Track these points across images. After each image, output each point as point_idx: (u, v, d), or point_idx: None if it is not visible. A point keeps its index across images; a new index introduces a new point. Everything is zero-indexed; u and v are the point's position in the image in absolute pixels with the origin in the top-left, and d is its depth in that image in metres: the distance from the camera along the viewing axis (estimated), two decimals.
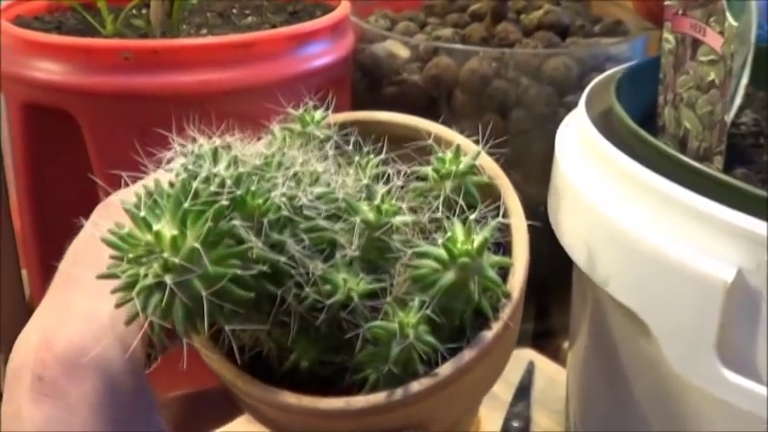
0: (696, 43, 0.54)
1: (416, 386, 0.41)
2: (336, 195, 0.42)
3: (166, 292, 0.35)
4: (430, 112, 0.78)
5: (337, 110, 0.51)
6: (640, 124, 0.53)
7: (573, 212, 0.53)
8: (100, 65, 0.72)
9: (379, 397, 0.41)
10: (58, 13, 0.91)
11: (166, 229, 0.35)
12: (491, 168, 0.49)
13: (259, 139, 0.49)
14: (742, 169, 0.55)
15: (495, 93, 0.83)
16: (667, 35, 0.58)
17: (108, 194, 0.46)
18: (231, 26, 0.89)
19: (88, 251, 0.44)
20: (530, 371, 0.87)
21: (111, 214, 0.44)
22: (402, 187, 0.45)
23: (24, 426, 0.40)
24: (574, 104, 0.62)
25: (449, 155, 0.47)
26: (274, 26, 0.86)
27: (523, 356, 0.89)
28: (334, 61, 0.82)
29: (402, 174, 0.46)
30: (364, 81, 0.92)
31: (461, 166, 0.46)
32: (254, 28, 0.88)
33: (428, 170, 0.47)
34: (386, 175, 0.46)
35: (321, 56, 0.81)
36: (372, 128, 0.52)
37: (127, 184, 0.44)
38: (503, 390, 0.84)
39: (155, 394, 0.43)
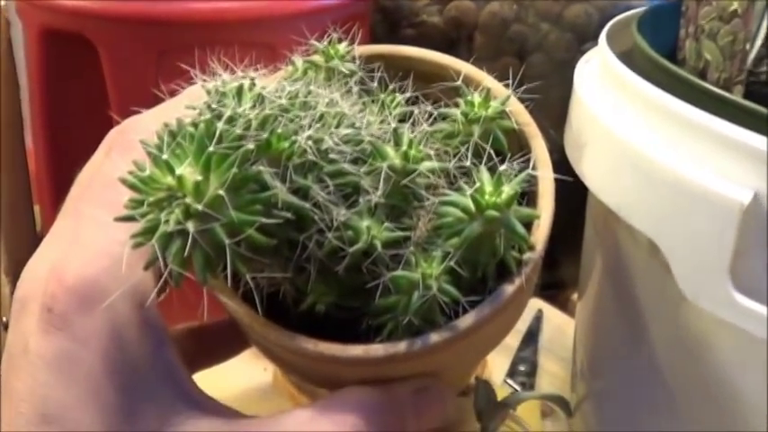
0: None
1: (436, 337, 0.40)
2: (362, 137, 0.41)
3: (189, 241, 0.34)
4: (449, 54, 0.77)
5: (358, 43, 0.49)
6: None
7: (591, 140, 0.52)
8: None
9: (398, 346, 0.40)
10: None
11: (189, 173, 0.34)
12: (520, 114, 0.47)
13: (279, 69, 0.48)
14: None
15: (515, 36, 0.82)
16: None
17: None
18: None
19: (100, 179, 0.44)
20: (538, 318, 0.87)
21: (125, 142, 0.43)
22: (429, 127, 0.44)
23: (32, 358, 0.39)
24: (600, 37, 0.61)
25: (477, 98, 0.46)
26: None
27: (532, 305, 0.89)
28: (354, 2, 0.82)
29: (429, 115, 0.45)
30: (384, 23, 0.91)
31: (490, 111, 0.45)
32: None
33: (456, 113, 0.46)
34: (412, 116, 0.44)
35: None
36: (398, 63, 0.50)
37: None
38: (510, 335, 0.84)
39: (166, 328, 0.43)
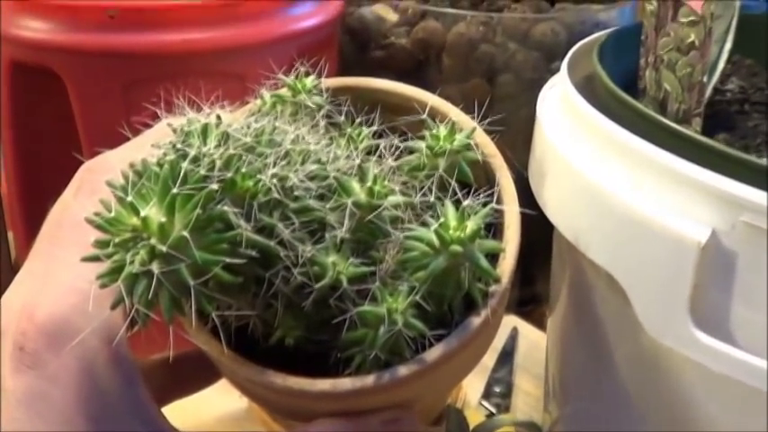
0: (677, 4, 0.53)
1: (403, 370, 0.40)
2: (328, 173, 0.41)
3: (153, 281, 0.34)
4: (417, 76, 0.78)
5: (325, 73, 0.49)
6: (623, 88, 0.53)
7: (551, 172, 0.53)
8: (85, 23, 0.72)
9: (366, 380, 0.40)
10: None
11: (154, 214, 0.34)
12: (486, 146, 0.48)
13: (247, 102, 0.48)
14: (724, 134, 0.55)
15: (483, 57, 0.82)
16: None
17: (93, 155, 0.46)
18: None
19: (68, 220, 0.44)
20: (513, 337, 0.87)
21: (93, 182, 0.43)
22: (395, 160, 0.44)
23: (5, 394, 0.40)
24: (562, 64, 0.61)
25: (443, 131, 0.46)
26: None
27: (507, 323, 0.90)
28: (322, 23, 0.82)
29: (395, 148, 0.45)
30: (352, 44, 0.91)
31: (456, 144, 0.45)
32: None
33: (422, 146, 0.46)
34: (378, 150, 0.45)
35: (309, 17, 0.80)
36: (366, 95, 0.51)
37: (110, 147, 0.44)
38: (486, 355, 0.84)
39: (136, 364, 0.43)
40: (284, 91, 0.48)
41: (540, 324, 0.91)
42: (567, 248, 0.55)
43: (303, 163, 0.41)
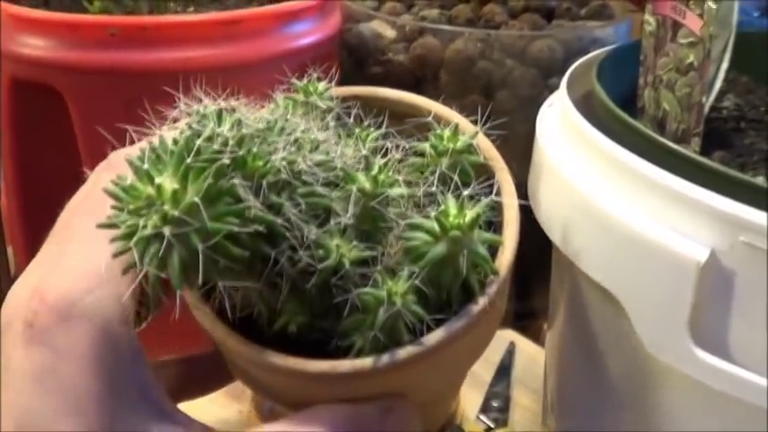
0: (676, 25, 0.54)
1: (402, 353, 0.41)
2: (335, 164, 0.43)
3: (164, 244, 0.35)
4: (415, 92, 0.78)
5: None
6: (622, 107, 0.53)
7: (551, 190, 0.53)
8: (86, 41, 0.72)
9: (365, 362, 0.41)
10: None
11: (168, 182, 0.36)
12: (488, 149, 0.49)
13: (262, 107, 0.49)
14: (721, 152, 0.55)
15: (480, 74, 0.83)
16: (648, 17, 0.58)
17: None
18: (219, 3, 0.89)
19: (88, 203, 0.45)
20: (510, 351, 0.87)
21: (112, 170, 0.44)
22: (400, 161, 0.46)
23: (13, 372, 0.40)
24: (558, 86, 0.62)
25: (447, 132, 0.47)
26: (262, 4, 0.86)
27: (505, 337, 0.90)
28: (321, 40, 0.82)
29: (400, 148, 0.47)
30: (350, 60, 0.92)
31: (458, 144, 0.47)
32: (242, 6, 0.89)
33: (426, 146, 0.47)
34: (384, 149, 0.47)
35: (308, 34, 0.81)
36: (374, 103, 0.52)
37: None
38: (484, 369, 0.85)
39: (142, 348, 0.44)
40: (296, 95, 0.50)
41: (537, 338, 0.91)
42: (565, 265, 0.56)
43: (312, 152, 0.43)
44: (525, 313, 0.95)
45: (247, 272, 0.40)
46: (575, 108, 0.55)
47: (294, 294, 0.42)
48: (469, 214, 0.41)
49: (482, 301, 0.43)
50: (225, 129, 0.39)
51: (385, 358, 0.41)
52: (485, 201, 0.43)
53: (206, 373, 0.55)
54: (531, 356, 0.88)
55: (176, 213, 0.35)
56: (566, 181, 0.51)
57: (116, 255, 0.37)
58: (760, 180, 0.51)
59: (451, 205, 0.42)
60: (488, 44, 0.84)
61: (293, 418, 0.43)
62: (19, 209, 0.86)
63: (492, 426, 0.78)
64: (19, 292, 0.43)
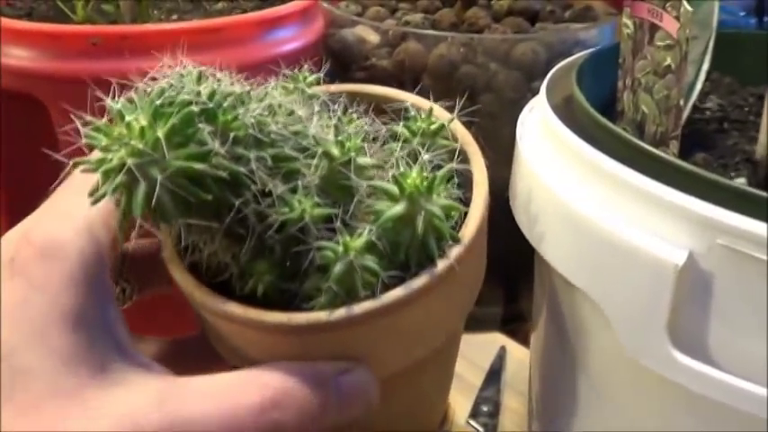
0: (654, 28, 0.54)
1: (357, 309, 0.43)
2: (308, 133, 0.45)
3: (127, 173, 0.38)
4: None
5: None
6: (603, 109, 0.53)
7: (530, 194, 0.53)
8: (68, 51, 0.72)
9: (320, 315, 0.43)
10: (29, 0, 0.91)
11: (137, 121, 0.39)
12: (464, 135, 0.52)
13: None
14: (703, 154, 0.55)
15: (464, 78, 0.83)
16: (626, 20, 0.58)
17: None
18: (202, 11, 0.89)
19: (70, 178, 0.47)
20: (501, 356, 0.87)
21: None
22: (382, 146, 0.49)
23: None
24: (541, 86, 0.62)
25: (422, 115, 0.50)
26: (245, 11, 0.86)
27: (493, 341, 0.90)
28: (304, 46, 0.82)
29: (379, 133, 0.49)
30: (334, 66, 0.92)
31: (432, 127, 0.50)
32: (225, 13, 0.89)
33: (399, 127, 0.50)
34: (363, 134, 0.48)
35: (290, 41, 0.81)
36: (361, 98, 0.54)
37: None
38: (473, 374, 0.84)
39: (113, 294, 0.46)
40: (287, 82, 0.53)
41: (525, 341, 0.91)
42: (546, 268, 0.56)
43: (286, 119, 0.45)
44: (513, 316, 0.95)
45: (213, 218, 0.43)
46: (554, 113, 0.55)
47: (261, 253, 0.45)
48: (429, 178, 0.44)
49: (441, 265, 0.45)
50: (201, 87, 0.42)
51: (340, 312, 0.43)
52: (447, 167, 0.46)
53: (193, 356, 0.55)
54: (521, 360, 0.88)
55: (141, 146, 0.39)
56: (545, 186, 0.51)
57: (90, 195, 0.41)
58: (740, 181, 0.52)
59: (413, 170, 0.44)
60: (471, 48, 0.84)
61: (252, 369, 0.45)
62: (4, 217, 0.86)
63: (482, 431, 0.78)
64: (10, 236, 0.46)
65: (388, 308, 0.43)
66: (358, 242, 0.43)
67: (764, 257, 0.39)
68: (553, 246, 0.51)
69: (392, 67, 0.86)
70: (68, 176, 0.47)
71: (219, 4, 0.92)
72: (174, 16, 0.86)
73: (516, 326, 0.94)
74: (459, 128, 0.52)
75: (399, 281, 0.44)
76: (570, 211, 0.48)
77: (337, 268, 0.43)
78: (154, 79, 0.43)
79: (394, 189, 0.44)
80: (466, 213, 0.47)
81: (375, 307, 0.43)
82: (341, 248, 0.43)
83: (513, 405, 0.82)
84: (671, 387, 0.44)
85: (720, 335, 0.42)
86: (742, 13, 1.06)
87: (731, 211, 0.41)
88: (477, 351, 0.85)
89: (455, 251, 0.45)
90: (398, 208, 0.44)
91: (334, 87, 0.55)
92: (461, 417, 0.80)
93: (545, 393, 0.63)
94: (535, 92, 0.68)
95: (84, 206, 0.43)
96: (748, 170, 0.53)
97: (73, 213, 0.45)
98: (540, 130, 0.57)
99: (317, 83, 0.52)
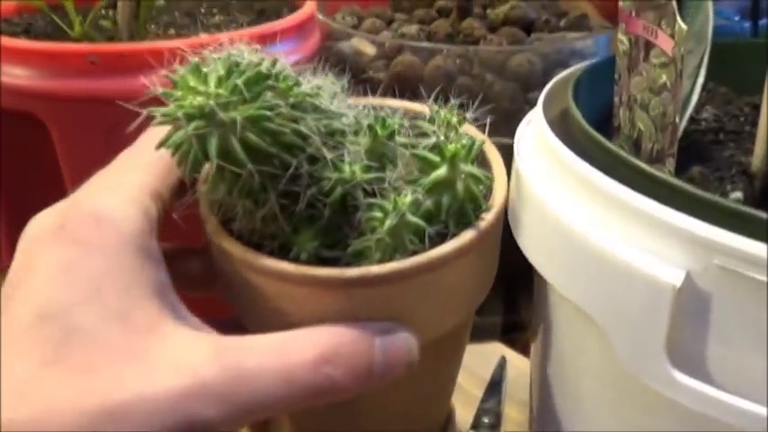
0: (649, 45, 0.54)
1: (406, 263, 0.46)
2: (349, 114, 0.51)
3: (205, 117, 0.42)
4: None
5: None
6: (599, 124, 0.54)
7: (527, 210, 0.53)
8: (67, 69, 0.73)
9: (371, 268, 0.46)
10: (26, 15, 0.92)
11: (216, 71, 0.43)
12: (478, 134, 0.56)
13: None
14: (699, 167, 0.55)
15: (460, 89, 0.83)
16: (621, 36, 0.58)
17: None
18: (199, 25, 0.89)
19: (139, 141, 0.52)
20: (501, 366, 0.87)
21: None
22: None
23: (37, 268, 0.43)
24: (538, 100, 0.62)
25: (443, 110, 0.55)
26: (241, 25, 0.86)
27: (493, 351, 0.90)
28: (301, 60, 0.82)
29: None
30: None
31: (454, 120, 0.54)
32: (222, 27, 0.89)
33: (424, 123, 0.53)
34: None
35: (287, 55, 0.80)
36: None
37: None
38: (473, 385, 0.85)
39: (163, 258, 0.48)
40: None
41: (525, 351, 0.91)
42: (544, 282, 0.56)
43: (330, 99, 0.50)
44: (513, 326, 0.95)
45: (270, 177, 0.46)
46: (550, 128, 0.55)
47: (308, 219, 0.49)
48: (465, 144, 0.49)
49: (478, 226, 0.50)
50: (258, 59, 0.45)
51: (392, 264, 0.46)
52: (478, 141, 0.51)
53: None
54: (521, 370, 0.88)
55: (221, 91, 0.42)
56: (542, 202, 0.51)
57: (160, 145, 0.45)
58: (737, 195, 0.52)
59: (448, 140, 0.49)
60: (467, 60, 0.84)
61: (298, 331, 0.46)
62: (5, 235, 0.86)
63: None
64: (58, 206, 0.46)
65: (435, 263, 0.47)
66: (407, 200, 0.46)
67: (762, 278, 0.39)
68: (551, 264, 0.51)
69: (389, 79, 0.86)
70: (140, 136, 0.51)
71: (216, 18, 0.92)
72: (171, 31, 0.87)
73: (516, 335, 0.95)
74: (472, 129, 0.56)
75: (440, 241, 0.48)
76: (566, 229, 0.48)
77: (388, 222, 0.46)
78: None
79: (435, 157, 0.48)
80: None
81: (423, 261, 0.46)
82: (390, 205, 0.46)
83: (513, 414, 0.83)
84: (670, 404, 0.44)
85: (719, 354, 0.43)
86: (737, 17, 1.06)
87: (728, 231, 0.41)
88: (477, 361, 0.85)
89: (491, 214, 0.51)
90: (441, 171, 0.48)
91: (356, 101, 0.57)
92: (464, 428, 0.80)
93: (545, 404, 0.63)
94: (532, 102, 0.68)
95: (133, 180, 0.47)
96: (744, 183, 0.53)
97: (124, 184, 0.48)
98: (536, 145, 0.57)
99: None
